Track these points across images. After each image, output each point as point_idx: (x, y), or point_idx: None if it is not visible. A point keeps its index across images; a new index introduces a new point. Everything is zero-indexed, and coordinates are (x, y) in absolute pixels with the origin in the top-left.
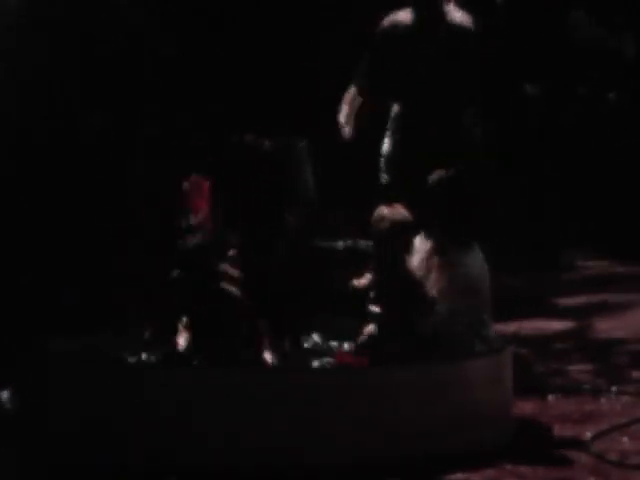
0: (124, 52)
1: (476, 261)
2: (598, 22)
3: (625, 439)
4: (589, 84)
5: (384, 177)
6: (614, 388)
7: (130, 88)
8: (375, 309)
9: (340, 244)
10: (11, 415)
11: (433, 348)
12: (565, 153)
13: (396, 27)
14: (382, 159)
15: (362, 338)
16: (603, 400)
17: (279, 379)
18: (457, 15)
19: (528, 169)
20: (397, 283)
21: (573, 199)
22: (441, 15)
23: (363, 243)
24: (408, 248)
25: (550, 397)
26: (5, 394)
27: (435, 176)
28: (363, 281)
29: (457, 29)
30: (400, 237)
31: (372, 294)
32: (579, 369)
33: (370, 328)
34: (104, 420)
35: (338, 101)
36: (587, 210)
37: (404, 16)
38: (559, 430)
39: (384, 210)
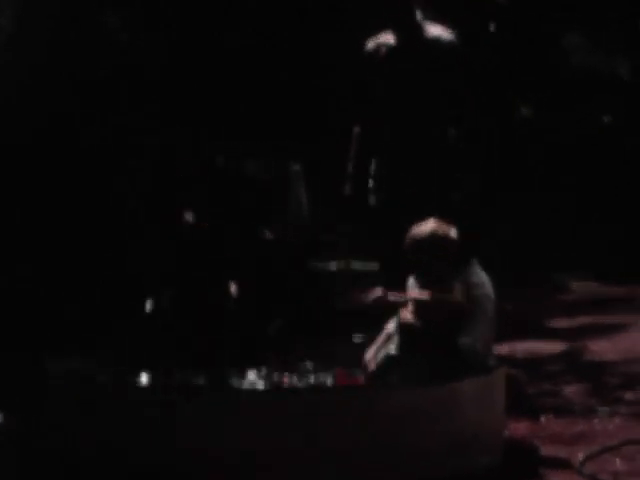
0: (118, 69)
1: (485, 279)
2: (593, 45)
3: (617, 460)
4: (584, 106)
5: (372, 198)
6: (606, 409)
7: (126, 102)
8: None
9: (333, 264)
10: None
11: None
12: (558, 175)
13: (379, 48)
14: (371, 180)
15: (382, 360)
16: (595, 421)
17: (270, 399)
18: (435, 30)
19: (521, 190)
20: (443, 304)
21: (565, 221)
22: (419, 31)
23: (356, 263)
24: (444, 258)
25: (542, 418)
26: (2, 414)
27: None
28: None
29: (436, 44)
30: (435, 247)
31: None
32: (571, 390)
33: (391, 349)
34: (103, 440)
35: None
36: (579, 232)
37: (386, 37)
38: (551, 451)
39: (428, 221)
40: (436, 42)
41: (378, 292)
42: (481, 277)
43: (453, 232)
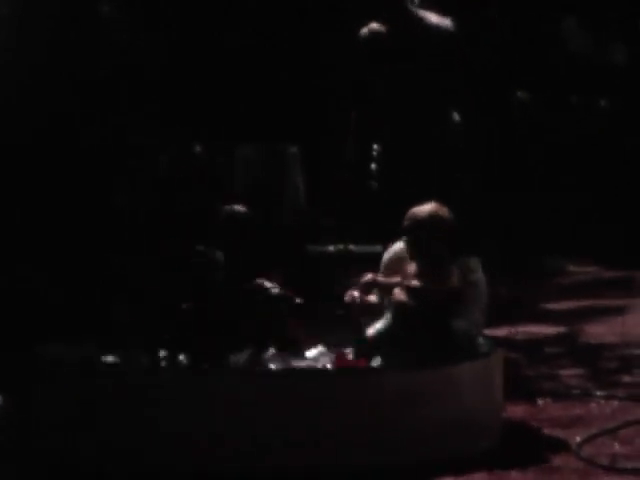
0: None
1: (478, 266)
2: (590, 31)
3: (615, 443)
4: (581, 92)
5: (374, 184)
6: (603, 392)
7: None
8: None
9: (331, 248)
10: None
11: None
12: (554, 160)
13: (375, 35)
14: (372, 166)
15: (373, 336)
16: (593, 404)
17: (265, 382)
18: (433, 18)
19: (517, 176)
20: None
21: (563, 205)
22: (415, 20)
23: (354, 247)
24: (442, 242)
25: (540, 401)
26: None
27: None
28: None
29: (435, 31)
30: (433, 230)
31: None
32: (569, 373)
33: (381, 325)
34: (97, 426)
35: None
36: (577, 216)
37: (379, 26)
38: (549, 434)
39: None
40: (435, 29)
41: (368, 276)
42: (474, 263)
43: (451, 215)
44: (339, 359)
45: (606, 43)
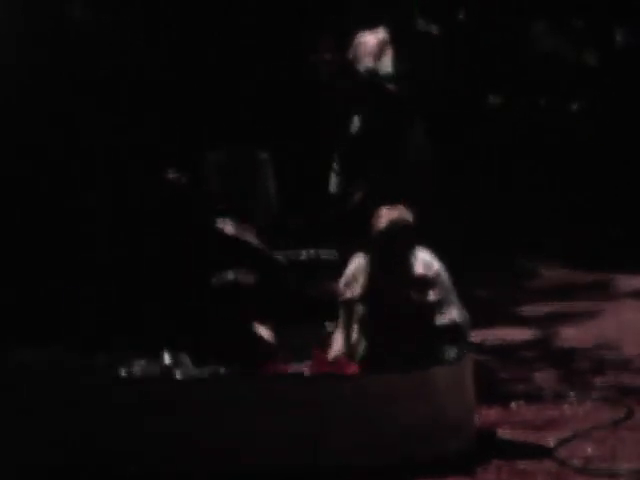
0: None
1: (433, 256)
2: (560, 33)
3: (588, 445)
4: (551, 94)
5: (334, 182)
6: (576, 394)
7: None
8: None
9: (302, 253)
10: None
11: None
12: (527, 162)
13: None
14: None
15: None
16: (566, 406)
17: (245, 387)
18: (422, 24)
19: (489, 177)
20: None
21: (536, 207)
22: (412, 27)
23: (325, 252)
24: (408, 246)
25: (513, 404)
26: None
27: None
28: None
29: (425, 38)
30: (398, 236)
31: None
32: (542, 376)
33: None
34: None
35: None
36: (549, 219)
37: (370, 37)
38: (522, 437)
39: (383, 210)
40: (426, 38)
41: (345, 297)
42: (429, 256)
43: (411, 218)
44: (317, 359)
45: (577, 44)
